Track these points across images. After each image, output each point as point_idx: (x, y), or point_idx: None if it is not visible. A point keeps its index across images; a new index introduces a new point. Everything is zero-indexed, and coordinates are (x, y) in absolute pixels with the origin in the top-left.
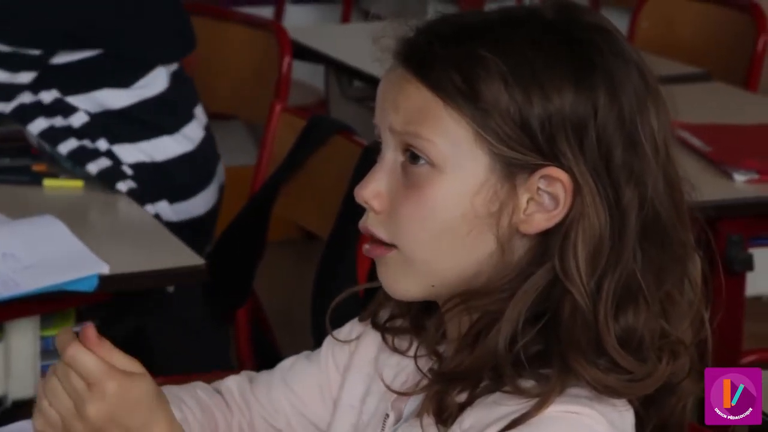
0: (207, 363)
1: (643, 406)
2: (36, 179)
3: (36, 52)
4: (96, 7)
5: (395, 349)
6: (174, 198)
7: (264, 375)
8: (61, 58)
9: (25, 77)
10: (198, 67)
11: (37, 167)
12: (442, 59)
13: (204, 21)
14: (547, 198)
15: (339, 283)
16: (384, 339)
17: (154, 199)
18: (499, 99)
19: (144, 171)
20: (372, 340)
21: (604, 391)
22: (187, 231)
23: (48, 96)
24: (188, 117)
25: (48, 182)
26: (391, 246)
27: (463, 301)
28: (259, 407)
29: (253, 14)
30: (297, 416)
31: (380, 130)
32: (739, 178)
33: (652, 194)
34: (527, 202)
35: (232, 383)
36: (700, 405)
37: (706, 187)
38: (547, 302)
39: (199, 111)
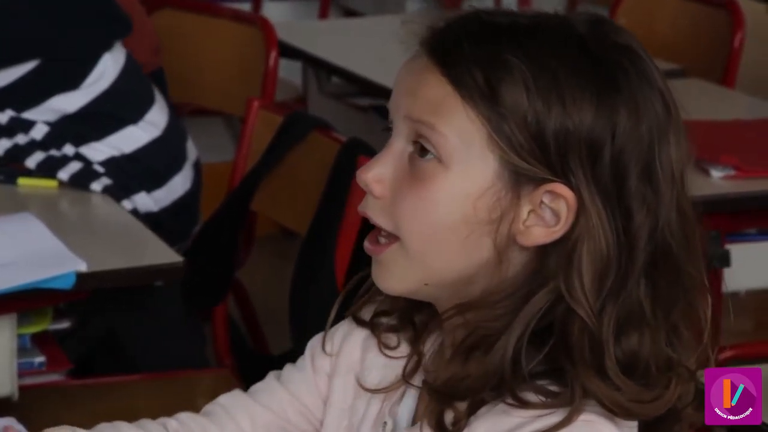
0: (181, 361)
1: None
2: (10, 178)
3: None
4: (20, 18)
5: (386, 347)
6: (150, 187)
7: (260, 384)
8: (3, 79)
9: None
10: (162, 58)
11: (14, 165)
12: (468, 55)
13: (187, 15)
14: (549, 213)
15: (317, 281)
16: (374, 334)
17: (131, 193)
18: (518, 104)
19: (115, 165)
20: (356, 341)
21: (618, 410)
22: (169, 217)
23: (3, 117)
24: (149, 102)
25: (23, 181)
26: (391, 240)
27: (459, 312)
28: (261, 410)
29: (237, 9)
30: (298, 415)
31: (393, 116)
32: (716, 174)
33: (663, 225)
34: (528, 213)
35: (223, 399)
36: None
37: None
38: (551, 322)
39: (158, 95)
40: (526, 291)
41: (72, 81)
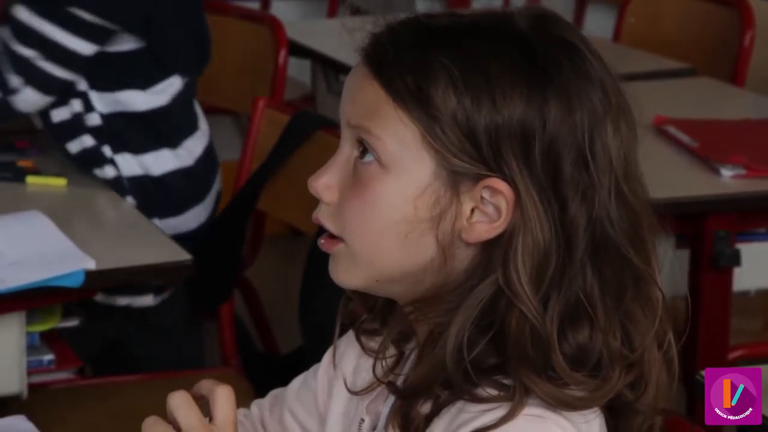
0: (180, 363)
1: (612, 426)
2: (19, 176)
3: (114, 27)
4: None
5: (370, 350)
6: (164, 213)
7: (279, 396)
8: (115, 47)
9: (88, 49)
10: None
11: (23, 163)
12: (398, 60)
13: None
14: (491, 208)
15: (326, 280)
16: (357, 339)
17: (146, 215)
18: (447, 105)
19: (141, 185)
20: (353, 349)
21: (558, 405)
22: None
23: (81, 85)
24: (191, 130)
25: (31, 179)
26: (339, 240)
27: (416, 310)
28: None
29: (247, 7)
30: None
31: (341, 122)
32: (726, 173)
33: (601, 213)
34: (471, 211)
35: (254, 408)
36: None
37: (693, 182)
38: (494, 315)
39: (203, 124)
40: (471, 285)
41: (145, 80)
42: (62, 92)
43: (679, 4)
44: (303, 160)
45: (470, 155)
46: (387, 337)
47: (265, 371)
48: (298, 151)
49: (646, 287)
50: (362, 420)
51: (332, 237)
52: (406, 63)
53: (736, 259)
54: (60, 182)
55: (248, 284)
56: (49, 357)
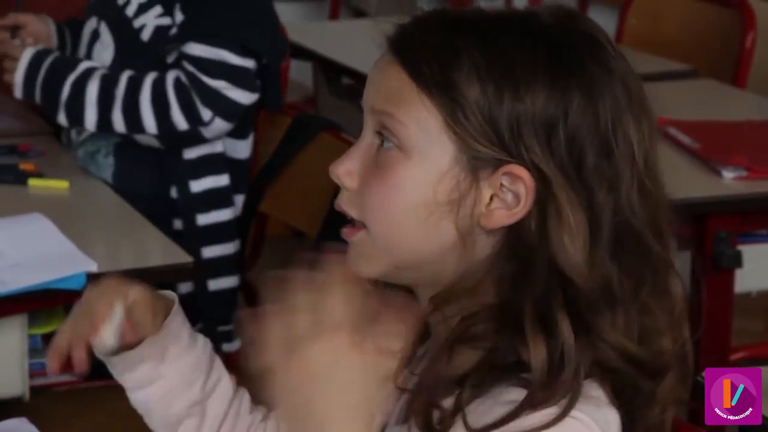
0: None
1: (627, 416)
2: (21, 179)
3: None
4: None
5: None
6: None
7: None
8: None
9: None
10: None
11: (25, 166)
12: (423, 46)
13: None
14: (510, 195)
15: None
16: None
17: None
18: (470, 91)
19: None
20: None
21: (627, 360)
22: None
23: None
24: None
25: (33, 182)
26: (360, 227)
27: (437, 308)
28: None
29: None
30: None
31: (364, 110)
32: (728, 174)
33: (624, 202)
34: (491, 198)
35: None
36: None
37: (695, 184)
38: (549, 297)
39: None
40: (501, 276)
41: (246, 129)
42: (240, 119)
43: (681, 6)
44: (305, 163)
45: (491, 141)
46: (409, 338)
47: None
48: (300, 154)
49: (664, 279)
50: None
51: (353, 227)
52: (431, 49)
53: (737, 261)
54: (62, 185)
55: (250, 286)
56: None
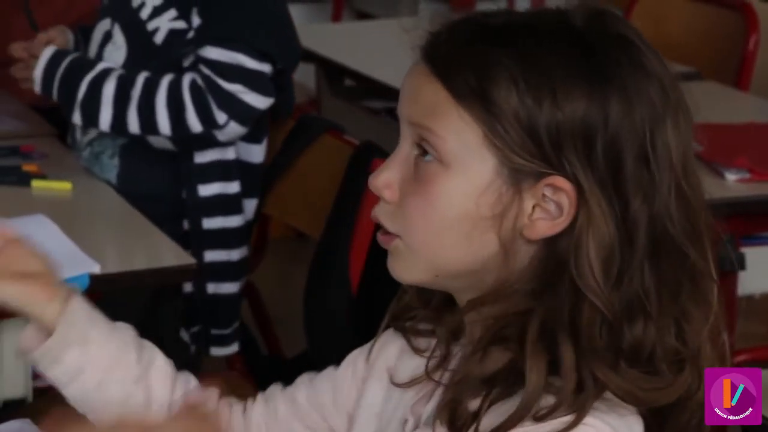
0: (185, 367)
1: (656, 423)
2: (24, 180)
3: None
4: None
5: (416, 349)
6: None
7: (285, 390)
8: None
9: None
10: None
11: (28, 167)
12: (459, 58)
13: None
14: (553, 206)
15: (331, 285)
16: (404, 336)
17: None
18: (509, 103)
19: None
20: (393, 348)
21: (629, 399)
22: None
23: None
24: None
25: (36, 183)
26: (396, 235)
27: (473, 308)
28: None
29: None
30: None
31: (401, 120)
32: (731, 177)
33: (661, 210)
34: (533, 208)
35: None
36: None
37: None
38: (561, 313)
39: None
40: (538, 283)
41: (262, 133)
42: (255, 124)
43: (684, 8)
44: (308, 165)
45: (532, 153)
46: (442, 335)
47: (269, 374)
48: (303, 155)
49: (702, 283)
50: (406, 420)
51: (387, 233)
52: (467, 62)
53: (740, 263)
54: (65, 186)
55: (252, 287)
56: None
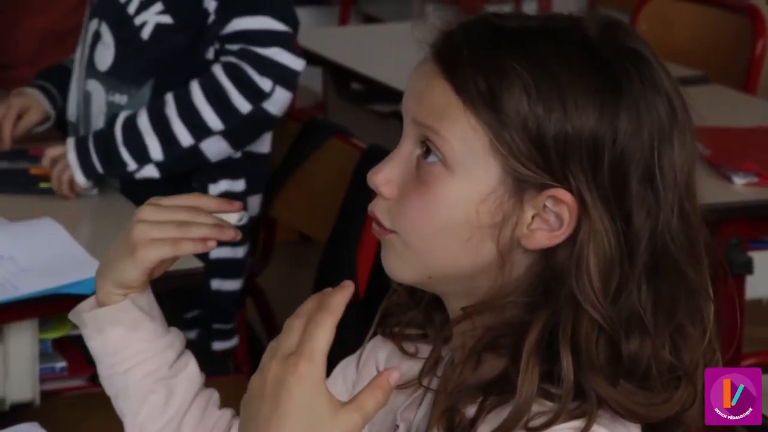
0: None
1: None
2: (32, 183)
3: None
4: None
5: (404, 352)
6: None
7: None
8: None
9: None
10: None
11: (36, 170)
12: (470, 62)
13: None
14: (553, 217)
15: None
16: (393, 341)
17: None
18: (518, 111)
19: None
20: (382, 352)
21: (626, 414)
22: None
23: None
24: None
25: (45, 185)
26: (391, 230)
27: (467, 316)
28: None
29: None
30: None
31: (404, 118)
32: (738, 181)
33: (663, 228)
34: (532, 218)
35: None
36: None
37: (705, 190)
38: (558, 324)
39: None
40: (534, 294)
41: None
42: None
43: (692, 12)
44: (314, 168)
45: (537, 164)
46: (436, 342)
47: None
48: (310, 159)
49: (699, 301)
50: (397, 426)
51: (383, 227)
52: (480, 66)
53: (748, 267)
54: None
55: (259, 290)
56: (61, 364)
